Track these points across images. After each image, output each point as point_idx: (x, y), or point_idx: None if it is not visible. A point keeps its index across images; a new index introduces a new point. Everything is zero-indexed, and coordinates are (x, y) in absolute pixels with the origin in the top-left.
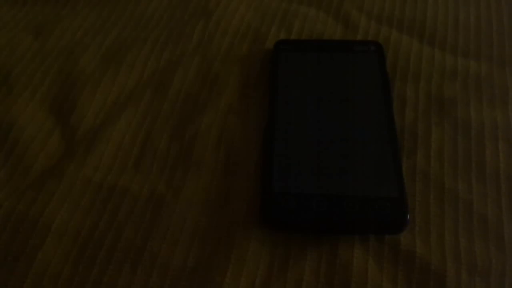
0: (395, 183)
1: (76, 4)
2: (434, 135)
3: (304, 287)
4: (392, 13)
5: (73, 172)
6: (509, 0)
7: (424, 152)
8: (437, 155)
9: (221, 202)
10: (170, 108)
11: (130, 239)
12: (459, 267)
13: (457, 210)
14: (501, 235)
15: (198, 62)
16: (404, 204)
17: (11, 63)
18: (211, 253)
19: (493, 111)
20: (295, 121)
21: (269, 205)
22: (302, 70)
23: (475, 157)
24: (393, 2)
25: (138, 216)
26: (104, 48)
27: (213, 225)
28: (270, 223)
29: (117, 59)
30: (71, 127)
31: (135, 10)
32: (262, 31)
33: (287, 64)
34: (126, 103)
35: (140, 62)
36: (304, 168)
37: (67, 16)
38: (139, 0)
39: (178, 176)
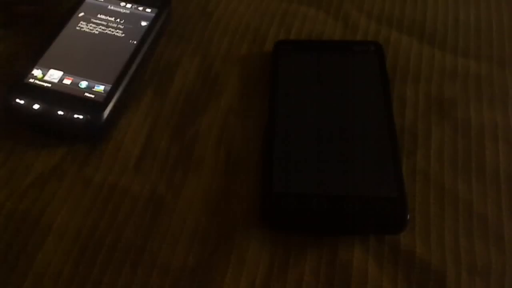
0: (395, 183)
1: None
2: (434, 135)
3: (304, 287)
4: (392, 13)
5: (74, 172)
6: (509, 0)
7: (424, 152)
8: (437, 155)
9: (221, 202)
10: (170, 109)
11: (130, 239)
12: (459, 267)
13: (457, 210)
14: (501, 235)
15: (198, 62)
16: (404, 204)
17: None
18: (211, 253)
19: (493, 111)
20: (295, 121)
21: (269, 205)
22: (302, 70)
23: (475, 157)
24: (393, 2)
25: (138, 216)
26: None
27: (213, 225)
28: (270, 223)
29: None
30: None
31: None
32: (262, 31)
33: (287, 64)
34: (126, 103)
35: None
36: (304, 168)
37: None
38: None
39: (178, 176)
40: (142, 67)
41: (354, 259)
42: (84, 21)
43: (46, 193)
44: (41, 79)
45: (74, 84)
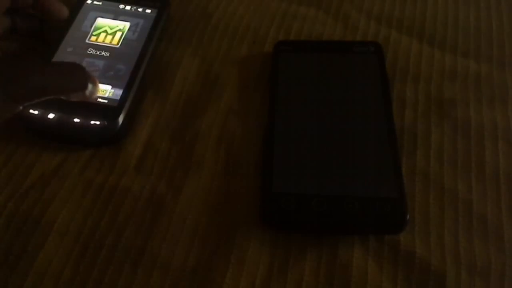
0: (395, 184)
1: None
2: (434, 135)
3: (304, 287)
4: (392, 13)
5: (75, 173)
6: (509, 0)
7: (423, 152)
8: (437, 155)
9: (221, 202)
10: (171, 109)
11: (131, 239)
12: (459, 267)
13: (457, 210)
14: (501, 235)
15: (198, 63)
16: (404, 204)
17: None
18: (211, 253)
19: (493, 111)
20: (295, 121)
21: (269, 205)
22: (301, 71)
23: (475, 157)
24: (392, 3)
25: (138, 216)
26: None
27: (213, 225)
28: (270, 223)
29: None
30: None
31: None
32: (262, 32)
33: (287, 65)
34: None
35: None
36: (304, 168)
37: None
38: None
39: (178, 177)
40: (148, 68)
41: (354, 259)
42: (86, 25)
43: (47, 193)
44: None
45: None
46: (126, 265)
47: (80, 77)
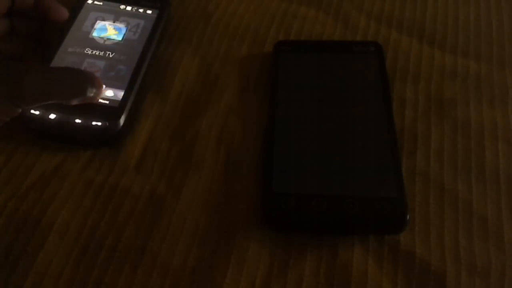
0: (395, 184)
1: None
2: (434, 135)
3: (304, 287)
4: (392, 13)
5: (75, 173)
6: (509, 0)
7: (423, 152)
8: (437, 155)
9: (221, 202)
10: (171, 109)
11: (131, 239)
12: (459, 267)
13: (457, 210)
14: (501, 235)
15: (198, 63)
16: (404, 205)
17: None
18: (211, 253)
19: (493, 111)
20: (295, 121)
21: (269, 205)
22: (301, 71)
23: (475, 157)
24: (392, 3)
25: (138, 216)
26: None
27: (213, 225)
28: (270, 223)
29: None
30: None
31: None
32: (262, 32)
33: (287, 64)
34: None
35: None
36: (304, 168)
37: None
38: None
39: (178, 177)
40: (149, 69)
41: (354, 259)
42: (86, 25)
43: (47, 193)
44: None
45: None
46: (126, 265)
47: (80, 82)
